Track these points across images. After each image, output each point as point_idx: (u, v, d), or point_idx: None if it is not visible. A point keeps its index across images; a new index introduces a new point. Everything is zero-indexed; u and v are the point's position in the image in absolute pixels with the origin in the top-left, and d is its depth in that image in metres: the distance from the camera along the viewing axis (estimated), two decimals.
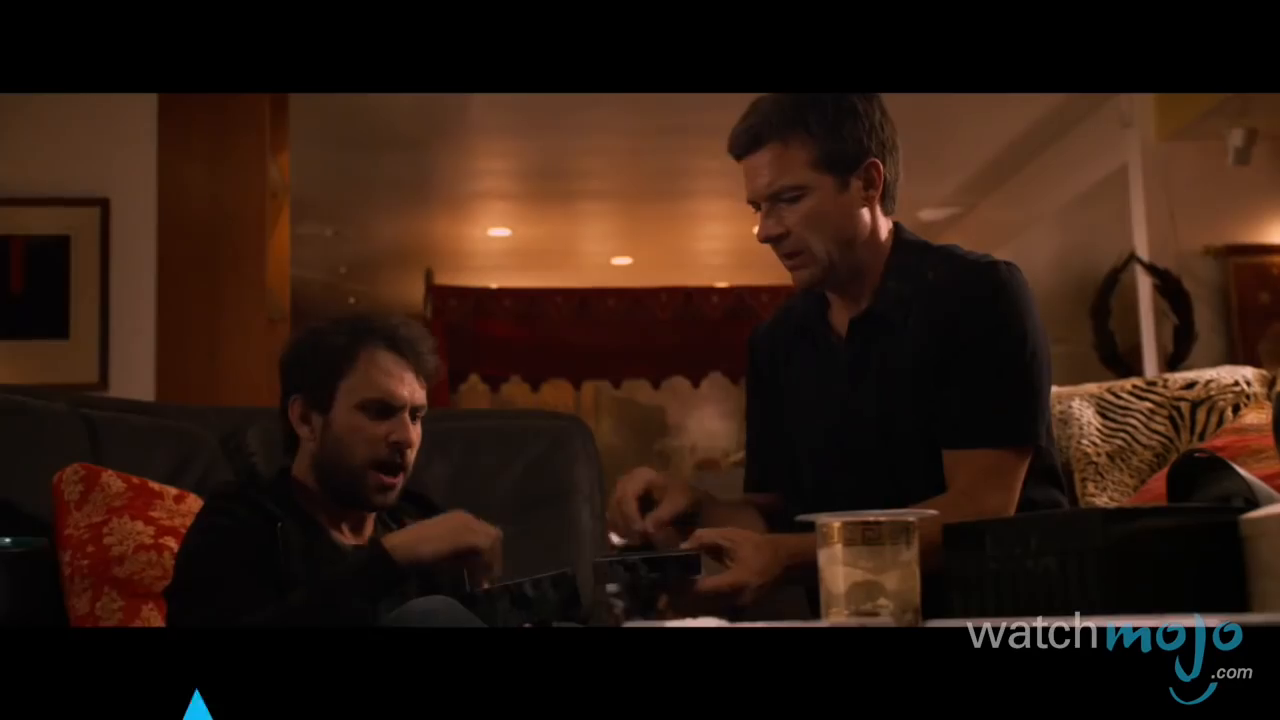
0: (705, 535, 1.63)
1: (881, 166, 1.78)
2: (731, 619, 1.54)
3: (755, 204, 1.80)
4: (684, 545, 1.65)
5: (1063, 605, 1.18)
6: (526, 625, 1.61)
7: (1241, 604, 1.14)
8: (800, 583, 1.67)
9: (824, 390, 1.85)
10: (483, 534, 1.74)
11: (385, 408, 1.86)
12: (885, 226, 1.83)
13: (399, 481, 1.88)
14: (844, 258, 1.79)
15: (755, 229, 1.81)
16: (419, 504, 1.99)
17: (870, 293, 1.82)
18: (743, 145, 1.79)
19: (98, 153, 4.08)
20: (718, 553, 1.61)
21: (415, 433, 1.89)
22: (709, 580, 1.57)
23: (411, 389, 1.88)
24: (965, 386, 1.73)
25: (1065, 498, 1.91)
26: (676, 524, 1.77)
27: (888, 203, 1.83)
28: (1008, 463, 1.71)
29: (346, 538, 1.90)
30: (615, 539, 1.75)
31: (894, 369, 1.77)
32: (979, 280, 1.76)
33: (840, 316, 1.86)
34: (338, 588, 1.68)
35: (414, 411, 1.89)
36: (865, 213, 1.80)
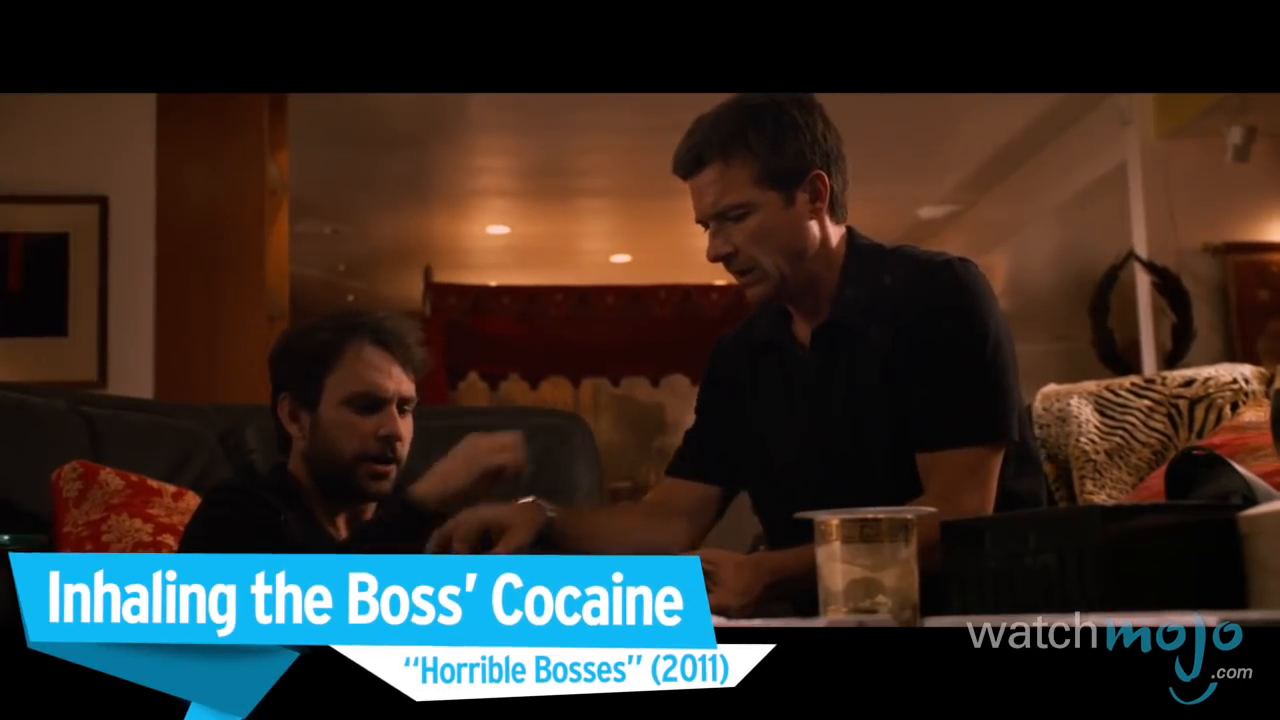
0: None
1: (827, 178, 1.77)
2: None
3: (703, 223, 1.80)
4: None
5: (1061, 602, 1.18)
6: None
7: (1240, 601, 1.14)
8: (783, 599, 1.67)
9: (793, 402, 1.84)
10: (500, 450, 1.78)
11: (371, 401, 1.86)
12: (837, 234, 1.82)
13: (392, 470, 1.88)
14: (795, 271, 1.78)
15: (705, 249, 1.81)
16: None
17: (828, 302, 1.81)
18: (686, 166, 1.79)
19: (96, 151, 4.08)
20: None
21: (405, 426, 1.89)
22: None
23: (398, 381, 1.88)
24: (933, 389, 1.72)
25: (1047, 490, 1.91)
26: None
27: (838, 212, 1.81)
28: (982, 461, 1.71)
29: (342, 534, 1.90)
30: None
31: (860, 376, 1.77)
32: (936, 281, 1.76)
33: (802, 328, 1.86)
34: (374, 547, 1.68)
35: (402, 404, 1.89)
36: (814, 225, 1.78)
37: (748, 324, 1.98)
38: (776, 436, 1.86)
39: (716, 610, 1.57)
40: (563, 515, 1.79)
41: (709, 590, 1.59)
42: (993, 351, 1.74)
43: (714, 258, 1.79)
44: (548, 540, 1.79)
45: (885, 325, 1.76)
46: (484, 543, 1.70)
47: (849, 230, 1.85)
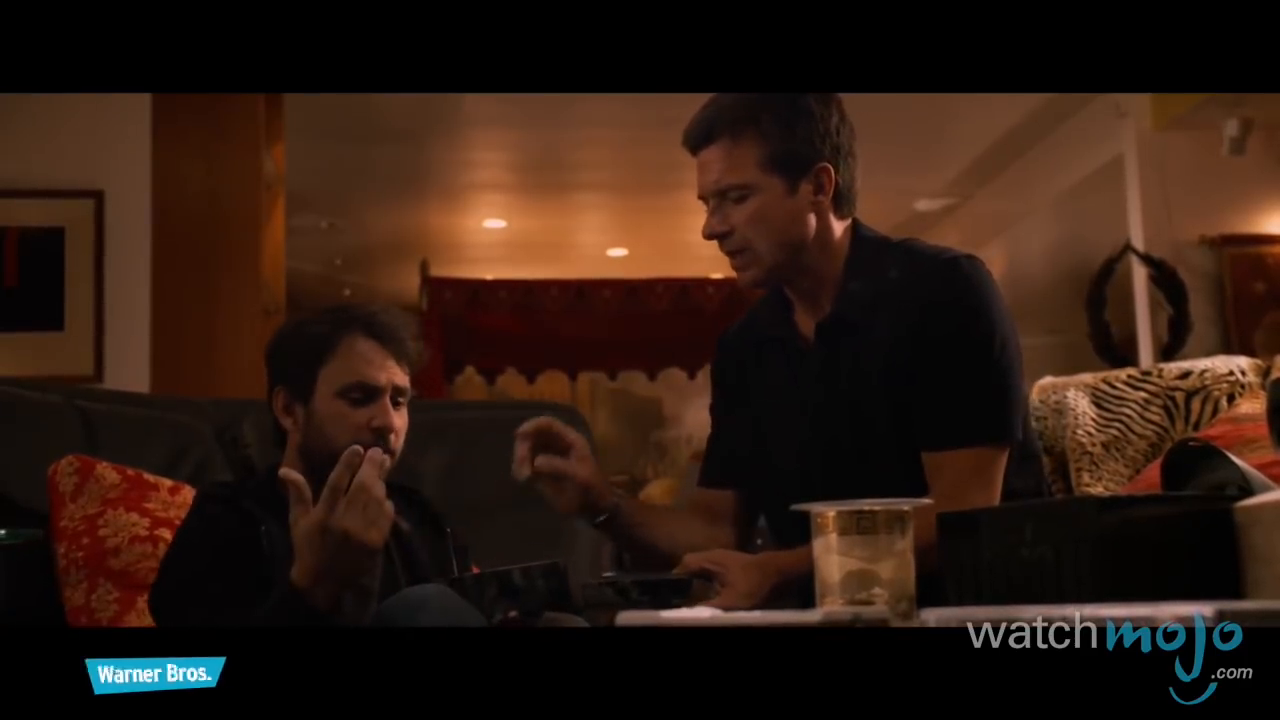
0: (693, 560, 1.65)
1: (833, 172, 1.77)
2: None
3: (704, 199, 1.79)
4: (674, 571, 1.67)
5: (1057, 594, 1.18)
6: (512, 614, 1.60)
7: (1236, 591, 1.14)
8: (790, 597, 1.67)
9: (796, 395, 1.83)
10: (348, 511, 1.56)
11: (364, 393, 1.84)
12: (840, 228, 1.81)
13: (387, 461, 1.86)
14: (789, 260, 1.78)
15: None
16: (405, 497, 1.97)
17: (832, 296, 1.80)
18: (695, 139, 1.78)
19: (92, 145, 4.07)
20: (706, 576, 1.63)
21: (399, 418, 1.87)
22: (700, 605, 1.59)
23: (391, 373, 1.86)
24: (939, 387, 1.72)
25: (1045, 484, 1.92)
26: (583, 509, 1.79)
27: (843, 207, 1.80)
28: (988, 461, 1.71)
29: None
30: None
31: (864, 371, 1.76)
32: (942, 278, 1.75)
33: (805, 321, 1.85)
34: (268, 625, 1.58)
35: (396, 396, 1.87)
36: (812, 217, 1.77)
37: (750, 317, 1.97)
38: (781, 432, 1.85)
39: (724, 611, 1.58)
40: (627, 502, 1.85)
41: (717, 592, 1.61)
42: (999, 350, 1.73)
43: (708, 235, 1.79)
44: (614, 521, 1.82)
45: (890, 320, 1.75)
46: (545, 448, 1.77)
47: (854, 222, 1.84)
